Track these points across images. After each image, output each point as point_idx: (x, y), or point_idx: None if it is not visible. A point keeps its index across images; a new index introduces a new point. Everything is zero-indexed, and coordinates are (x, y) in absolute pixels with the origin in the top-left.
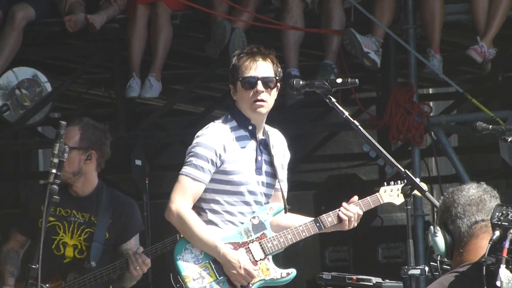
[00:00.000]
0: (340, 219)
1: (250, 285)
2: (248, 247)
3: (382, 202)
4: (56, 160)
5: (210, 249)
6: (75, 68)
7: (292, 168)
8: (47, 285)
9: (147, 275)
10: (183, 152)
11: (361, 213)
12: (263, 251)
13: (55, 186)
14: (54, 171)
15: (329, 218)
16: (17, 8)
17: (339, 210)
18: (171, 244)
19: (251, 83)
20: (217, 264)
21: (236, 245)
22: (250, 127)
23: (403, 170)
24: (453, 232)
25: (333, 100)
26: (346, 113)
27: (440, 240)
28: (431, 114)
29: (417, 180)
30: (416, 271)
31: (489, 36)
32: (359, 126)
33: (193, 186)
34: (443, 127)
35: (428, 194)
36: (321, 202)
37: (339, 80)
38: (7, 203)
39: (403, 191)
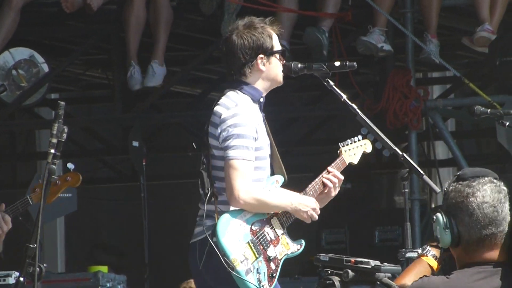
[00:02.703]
0: (324, 186)
1: (279, 261)
2: (271, 223)
3: (346, 163)
4: (54, 140)
5: (285, 207)
6: (72, 49)
7: (289, 151)
8: (44, 265)
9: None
10: (180, 133)
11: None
12: (282, 225)
13: (53, 166)
14: (52, 151)
15: (316, 186)
16: None
17: (322, 177)
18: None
19: (284, 54)
20: (254, 243)
21: (262, 222)
22: (262, 100)
23: (400, 153)
24: (461, 233)
25: (331, 83)
26: (344, 96)
27: (447, 237)
28: (428, 98)
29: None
30: (413, 254)
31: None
32: (357, 109)
33: (250, 168)
34: (440, 111)
35: (425, 177)
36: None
37: (337, 63)
38: (4, 184)
39: (400, 174)
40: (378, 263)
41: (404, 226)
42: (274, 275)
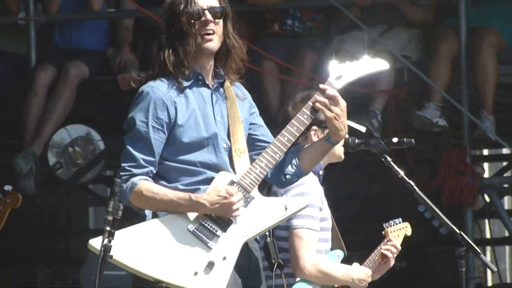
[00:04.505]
0: (383, 257)
1: None
2: None
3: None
4: (110, 218)
5: (347, 281)
6: None
7: (344, 227)
8: None
9: None
10: None
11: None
12: None
13: (109, 244)
14: (108, 228)
15: (375, 257)
16: (71, 66)
17: (381, 249)
18: None
19: None
20: None
21: None
22: (321, 172)
23: (458, 231)
24: None
25: (389, 159)
26: (402, 173)
27: None
28: (485, 176)
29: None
30: None
31: None
32: (415, 186)
33: (315, 238)
34: (496, 189)
35: (482, 256)
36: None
37: (395, 140)
38: (58, 260)
39: (457, 252)
40: None
41: None
42: None
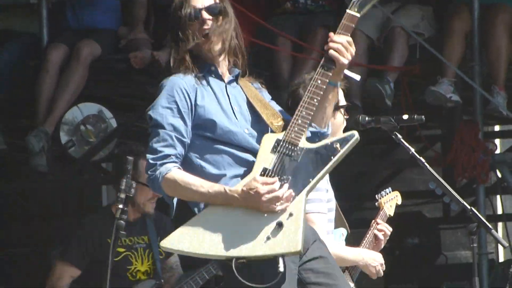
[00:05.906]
0: (376, 238)
1: None
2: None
3: (387, 216)
4: (123, 196)
5: (357, 261)
6: (140, 104)
7: (356, 205)
8: None
9: None
10: None
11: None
12: (351, 278)
13: (122, 222)
14: (121, 206)
15: (370, 239)
16: (83, 44)
17: (376, 225)
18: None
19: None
20: None
21: None
22: None
23: (469, 207)
24: None
25: (399, 136)
26: (412, 150)
27: None
28: (497, 152)
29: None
30: None
31: None
32: (426, 163)
33: (325, 221)
34: (508, 165)
35: (493, 231)
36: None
37: (405, 117)
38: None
39: (469, 228)
40: None
41: (473, 281)
42: None
